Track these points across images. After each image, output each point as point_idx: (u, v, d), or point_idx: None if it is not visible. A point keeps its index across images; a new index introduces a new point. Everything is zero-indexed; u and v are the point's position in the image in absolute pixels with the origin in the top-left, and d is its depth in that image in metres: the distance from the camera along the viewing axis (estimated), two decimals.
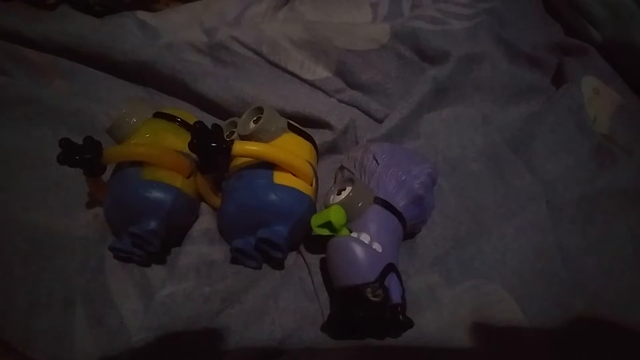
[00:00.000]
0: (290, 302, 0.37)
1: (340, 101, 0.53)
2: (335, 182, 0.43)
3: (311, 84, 0.54)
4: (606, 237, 0.43)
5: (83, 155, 0.33)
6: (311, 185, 0.39)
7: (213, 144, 0.33)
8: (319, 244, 0.38)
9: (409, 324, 0.33)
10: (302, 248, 0.40)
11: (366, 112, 0.53)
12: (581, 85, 0.54)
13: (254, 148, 0.35)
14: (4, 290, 0.34)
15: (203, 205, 0.40)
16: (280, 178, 0.36)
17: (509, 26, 0.60)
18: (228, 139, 0.34)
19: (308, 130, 0.43)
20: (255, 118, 0.39)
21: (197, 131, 0.33)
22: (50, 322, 0.33)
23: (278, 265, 0.39)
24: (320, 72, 0.54)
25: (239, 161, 0.38)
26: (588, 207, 0.45)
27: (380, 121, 0.52)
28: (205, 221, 0.39)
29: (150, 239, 0.34)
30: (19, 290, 0.34)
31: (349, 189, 0.36)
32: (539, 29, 0.62)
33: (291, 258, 0.40)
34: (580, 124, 0.51)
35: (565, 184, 0.47)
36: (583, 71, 0.55)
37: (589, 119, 0.52)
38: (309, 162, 0.39)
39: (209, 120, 0.49)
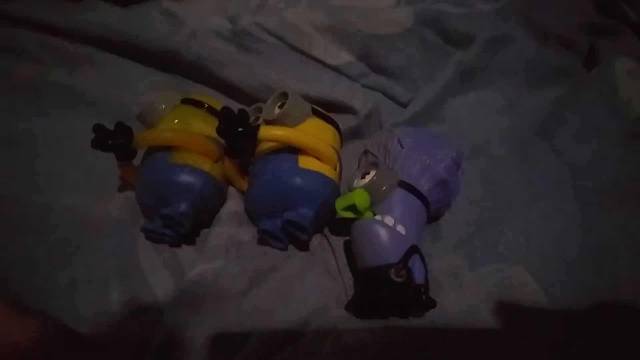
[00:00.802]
0: (315, 282, 0.37)
1: (364, 86, 0.53)
2: (359, 166, 0.44)
3: (335, 69, 0.54)
4: (634, 221, 0.42)
5: (115, 140, 0.34)
6: (335, 169, 0.39)
7: (240, 129, 0.33)
8: (343, 227, 0.39)
9: (431, 304, 0.33)
10: (326, 230, 0.40)
11: (390, 97, 0.53)
12: (615, 67, 0.52)
13: (279, 133, 0.36)
14: (47, 269, 0.36)
15: (231, 188, 0.41)
16: (305, 162, 0.37)
17: (538, 6, 0.58)
18: (254, 124, 0.35)
19: (332, 115, 0.43)
20: (280, 103, 0.39)
21: (224, 116, 0.34)
22: (90, 298, 0.34)
23: (303, 246, 0.40)
24: (343, 57, 0.54)
25: (265, 146, 0.39)
26: (616, 192, 0.44)
27: (404, 106, 0.51)
28: (233, 204, 0.40)
29: (182, 220, 0.35)
30: (60, 268, 0.36)
31: (373, 172, 0.36)
32: (570, 9, 0.59)
33: (316, 240, 0.40)
34: (612, 108, 0.50)
35: (594, 169, 0.46)
36: (617, 52, 0.53)
37: (621, 102, 0.51)
38: (332, 147, 0.39)
39: (234, 106, 0.49)
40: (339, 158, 0.40)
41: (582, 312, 0.36)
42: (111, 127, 0.35)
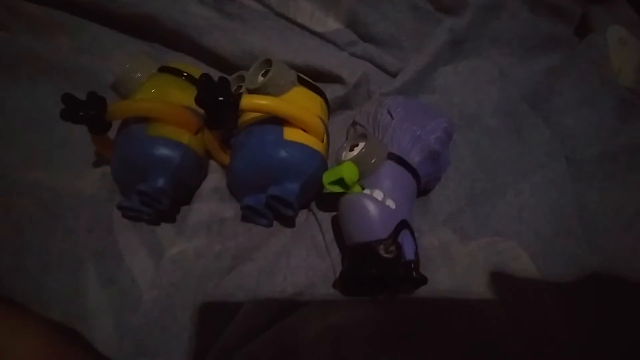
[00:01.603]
0: (301, 259, 0.36)
1: (352, 54, 0.51)
2: (347, 138, 0.42)
3: (322, 36, 0.52)
4: (626, 193, 0.42)
5: (87, 111, 0.32)
6: (322, 141, 0.37)
7: (220, 98, 0.31)
8: (330, 202, 0.37)
9: (422, 280, 0.32)
10: (313, 205, 0.39)
11: (379, 66, 0.51)
12: (607, 35, 0.51)
13: (263, 102, 0.34)
14: (15, 250, 0.34)
15: (212, 163, 0.39)
16: (290, 134, 0.35)
17: None
18: (236, 93, 0.33)
19: (319, 85, 0.41)
20: (263, 71, 0.37)
21: (203, 85, 0.31)
22: (63, 282, 0.33)
23: (289, 222, 0.39)
24: (331, 24, 0.52)
25: (248, 117, 0.37)
26: (608, 163, 0.44)
27: (394, 75, 0.50)
28: (215, 179, 0.38)
29: (159, 197, 0.34)
30: (30, 250, 0.34)
31: (361, 144, 0.35)
32: None
33: (302, 215, 0.39)
34: (604, 77, 0.49)
35: (586, 140, 0.46)
36: (609, 20, 0.52)
37: (613, 71, 0.50)
38: (319, 118, 0.37)
39: (215, 75, 0.47)
40: (326, 129, 0.39)
41: (574, 286, 0.36)
42: (83, 97, 0.33)
